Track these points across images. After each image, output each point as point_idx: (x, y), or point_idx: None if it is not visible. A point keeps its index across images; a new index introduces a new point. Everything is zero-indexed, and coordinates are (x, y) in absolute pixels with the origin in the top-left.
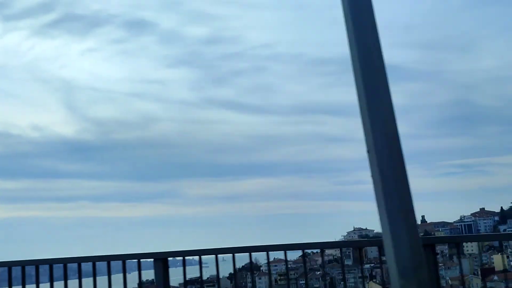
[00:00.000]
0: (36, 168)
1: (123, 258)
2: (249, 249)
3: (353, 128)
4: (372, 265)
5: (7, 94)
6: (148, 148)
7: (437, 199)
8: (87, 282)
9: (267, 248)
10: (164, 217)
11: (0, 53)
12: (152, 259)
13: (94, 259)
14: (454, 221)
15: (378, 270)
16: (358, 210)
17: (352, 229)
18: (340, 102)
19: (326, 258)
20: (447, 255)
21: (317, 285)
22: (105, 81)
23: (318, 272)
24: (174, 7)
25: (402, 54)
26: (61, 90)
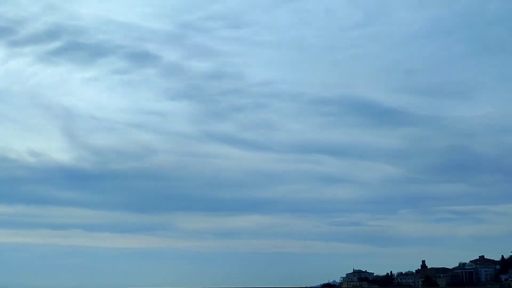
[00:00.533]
0: (31, 194)
1: None
2: None
3: (350, 169)
4: None
5: (7, 118)
6: (145, 180)
7: (434, 244)
8: None
9: None
10: (156, 250)
11: (3, 78)
12: None
13: None
14: (453, 268)
15: None
16: (354, 252)
17: (352, 271)
18: (339, 143)
19: None
20: None
21: None
22: (106, 110)
23: None
24: (178, 41)
25: (403, 98)
26: (61, 117)
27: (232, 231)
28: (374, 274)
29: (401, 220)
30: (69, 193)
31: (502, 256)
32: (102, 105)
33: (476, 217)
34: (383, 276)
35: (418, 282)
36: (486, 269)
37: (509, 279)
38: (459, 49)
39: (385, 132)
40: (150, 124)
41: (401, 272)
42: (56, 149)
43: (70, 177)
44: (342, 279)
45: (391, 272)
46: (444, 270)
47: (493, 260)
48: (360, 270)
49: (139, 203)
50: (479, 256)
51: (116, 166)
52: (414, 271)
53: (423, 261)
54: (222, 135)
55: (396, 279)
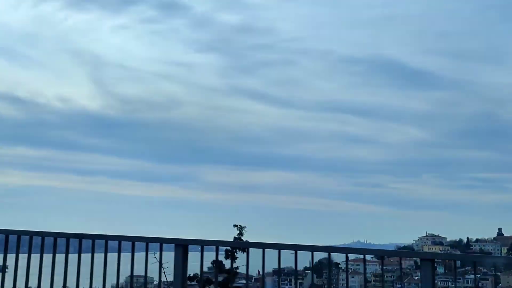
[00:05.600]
0: (58, 139)
1: (147, 240)
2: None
3: (375, 130)
4: (478, 275)
5: (36, 63)
6: (170, 130)
7: (456, 210)
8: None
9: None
10: (180, 200)
11: (33, 22)
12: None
13: (120, 238)
14: None
15: (486, 281)
16: (376, 213)
17: (425, 235)
18: (366, 103)
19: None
20: None
21: None
22: (134, 59)
23: (417, 277)
24: None
25: (434, 60)
26: (89, 64)
27: (256, 186)
28: (448, 239)
29: (425, 184)
30: (95, 140)
31: None
32: (130, 53)
33: (502, 185)
34: (457, 241)
35: (498, 249)
36: None
37: None
38: (494, 14)
39: (413, 94)
40: (177, 75)
41: (477, 239)
42: (84, 96)
43: (97, 124)
44: (414, 242)
45: (467, 238)
46: None
47: None
48: (433, 234)
49: (164, 153)
50: None
51: (142, 115)
52: (492, 238)
53: (500, 229)
54: (249, 89)
55: (473, 246)
